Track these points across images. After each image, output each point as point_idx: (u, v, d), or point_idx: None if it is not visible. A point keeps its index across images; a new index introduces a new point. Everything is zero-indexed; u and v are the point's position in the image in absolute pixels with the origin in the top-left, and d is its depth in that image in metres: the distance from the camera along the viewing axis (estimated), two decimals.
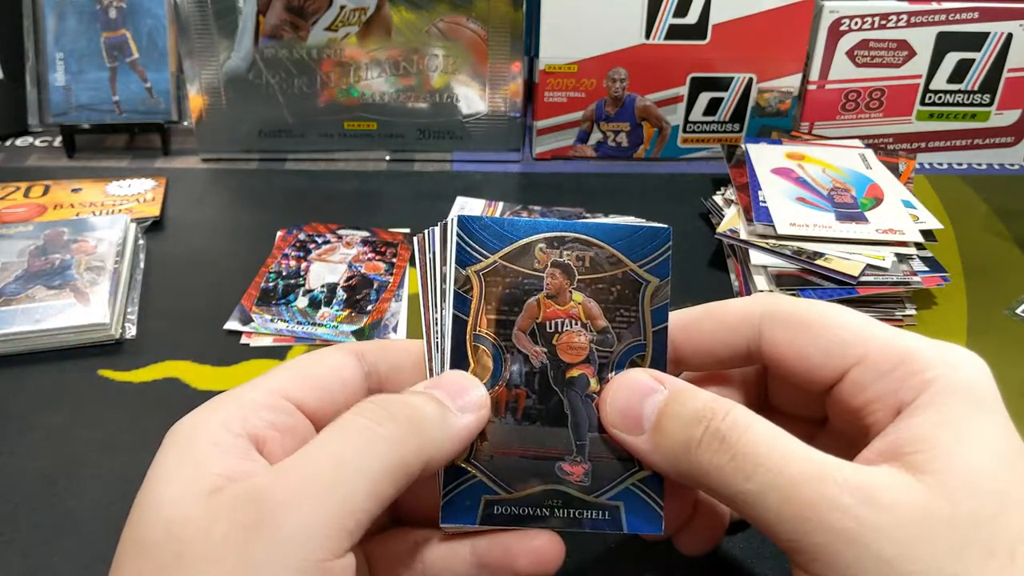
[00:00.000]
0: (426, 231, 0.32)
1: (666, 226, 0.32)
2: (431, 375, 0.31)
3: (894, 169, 0.62)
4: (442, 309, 0.31)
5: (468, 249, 0.31)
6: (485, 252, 0.32)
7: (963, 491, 0.24)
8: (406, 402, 0.28)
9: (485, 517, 0.30)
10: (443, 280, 0.32)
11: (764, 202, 0.57)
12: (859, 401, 0.28)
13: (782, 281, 0.52)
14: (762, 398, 0.34)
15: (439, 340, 0.31)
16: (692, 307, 0.32)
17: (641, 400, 0.29)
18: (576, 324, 0.31)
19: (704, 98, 0.71)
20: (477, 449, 0.30)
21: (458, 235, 0.32)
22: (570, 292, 0.31)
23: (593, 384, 0.31)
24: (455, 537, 0.31)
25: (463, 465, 0.30)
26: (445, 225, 0.32)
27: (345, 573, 0.24)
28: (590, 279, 0.31)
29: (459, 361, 0.31)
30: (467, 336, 0.31)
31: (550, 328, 0.31)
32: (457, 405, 0.29)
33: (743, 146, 0.64)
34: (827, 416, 0.32)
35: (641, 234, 0.32)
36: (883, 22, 0.68)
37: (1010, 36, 0.69)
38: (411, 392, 0.29)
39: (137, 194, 0.65)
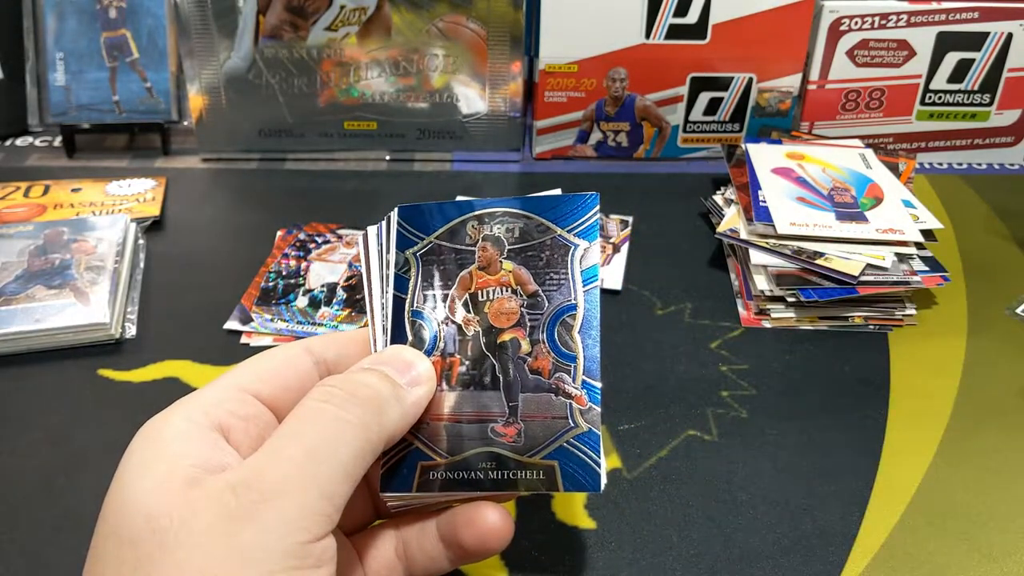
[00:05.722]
0: (368, 228, 0.34)
1: (594, 192, 0.33)
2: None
3: (894, 169, 0.62)
4: (387, 293, 0.33)
5: (406, 234, 0.33)
6: (421, 235, 0.33)
7: None
8: (364, 383, 0.29)
9: (421, 484, 0.30)
10: (388, 266, 0.33)
11: (764, 202, 0.57)
12: None
13: (782, 281, 0.52)
14: None
15: (385, 322, 0.33)
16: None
17: None
18: (507, 291, 0.32)
19: (704, 98, 0.71)
20: None
21: (398, 223, 0.34)
22: (500, 262, 0.33)
23: (524, 346, 0.32)
24: (425, 516, 0.32)
25: None
26: (389, 217, 0.34)
27: (326, 553, 0.25)
28: (520, 247, 0.33)
29: (399, 337, 0.32)
30: (406, 312, 0.32)
31: (482, 297, 0.32)
32: (406, 380, 0.30)
33: (743, 146, 0.64)
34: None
35: (569, 201, 0.33)
36: (883, 22, 0.68)
37: (1010, 36, 0.69)
38: (361, 370, 0.30)
39: (137, 194, 0.65)
